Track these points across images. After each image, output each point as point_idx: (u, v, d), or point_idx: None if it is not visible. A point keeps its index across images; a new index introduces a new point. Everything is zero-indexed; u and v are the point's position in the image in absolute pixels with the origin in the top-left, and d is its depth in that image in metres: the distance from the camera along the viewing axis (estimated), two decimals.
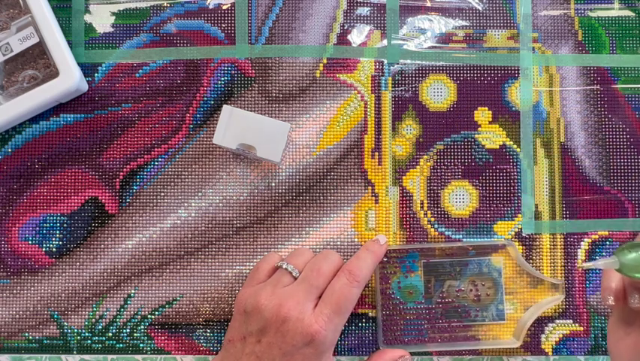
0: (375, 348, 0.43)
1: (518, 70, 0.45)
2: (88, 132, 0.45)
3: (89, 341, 0.44)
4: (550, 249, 0.44)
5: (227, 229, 0.44)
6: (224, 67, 0.45)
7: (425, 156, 0.45)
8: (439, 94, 0.45)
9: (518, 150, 0.45)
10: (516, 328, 0.43)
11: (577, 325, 0.44)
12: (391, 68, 0.45)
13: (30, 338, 0.44)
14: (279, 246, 0.44)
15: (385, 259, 0.43)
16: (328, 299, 0.37)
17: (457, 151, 0.45)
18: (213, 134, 0.42)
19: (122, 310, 0.44)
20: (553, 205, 0.44)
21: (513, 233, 0.44)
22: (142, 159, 0.45)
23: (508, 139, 0.45)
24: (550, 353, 0.43)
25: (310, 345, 0.36)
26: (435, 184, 0.45)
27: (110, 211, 0.44)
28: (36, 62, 0.43)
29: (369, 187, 0.44)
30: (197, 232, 0.44)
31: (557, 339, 0.44)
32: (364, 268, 0.39)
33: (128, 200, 0.44)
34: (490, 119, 0.45)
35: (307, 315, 0.36)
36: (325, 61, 0.45)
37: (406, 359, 0.42)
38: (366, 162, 0.45)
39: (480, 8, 0.46)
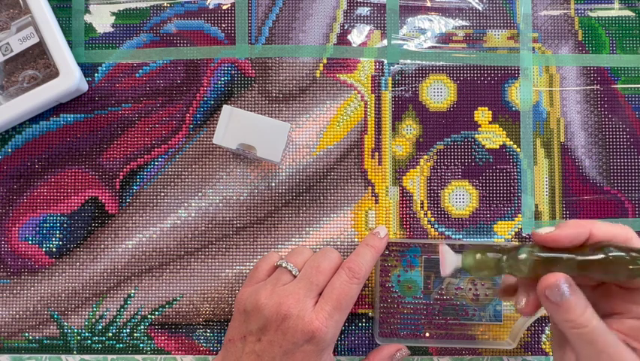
0: (375, 346, 0.43)
1: (518, 70, 0.45)
2: (88, 132, 0.45)
3: (89, 341, 0.44)
4: None
5: (227, 229, 0.44)
6: (224, 67, 0.45)
7: (425, 156, 0.45)
8: (439, 94, 0.45)
9: (518, 150, 0.45)
10: (512, 330, 0.43)
11: None
12: (391, 68, 0.45)
13: (30, 338, 0.44)
14: (279, 246, 0.44)
15: (387, 252, 0.43)
16: (328, 296, 0.37)
17: (457, 151, 0.45)
18: (213, 134, 0.42)
19: (122, 310, 0.44)
20: (554, 205, 0.44)
21: (513, 233, 0.44)
22: (142, 159, 0.45)
23: (508, 139, 0.45)
24: (550, 353, 0.43)
25: (311, 342, 0.36)
26: (435, 184, 0.45)
27: (110, 211, 0.44)
28: (36, 62, 0.43)
29: (369, 187, 0.44)
30: (197, 232, 0.44)
31: None
32: (364, 264, 0.39)
33: (128, 200, 0.44)
34: (490, 119, 0.45)
35: (308, 312, 0.36)
36: (325, 61, 0.45)
37: (402, 352, 0.42)
38: (366, 162, 0.45)
39: (480, 8, 0.46)
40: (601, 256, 0.31)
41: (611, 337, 0.30)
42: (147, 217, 0.44)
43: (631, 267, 0.30)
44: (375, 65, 0.45)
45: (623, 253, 0.31)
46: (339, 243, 0.44)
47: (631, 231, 0.32)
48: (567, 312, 0.31)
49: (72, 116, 0.45)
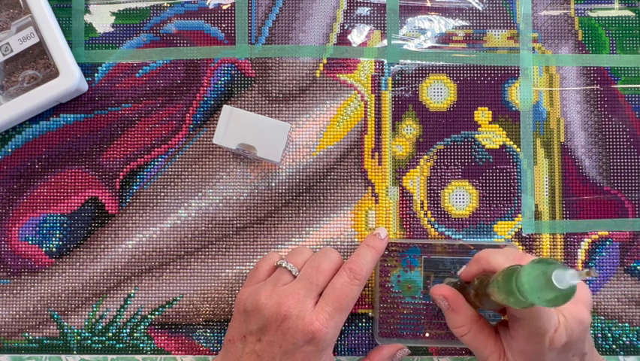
0: (375, 346, 0.43)
1: (518, 70, 0.45)
2: (88, 132, 0.45)
3: (89, 341, 0.44)
4: (550, 249, 0.44)
5: (227, 229, 0.44)
6: (224, 67, 0.45)
7: (425, 156, 0.45)
8: (439, 94, 0.45)
9: (518, 150, 0.45)
10: None
11: None
12: (391, 68, 0.45)
13: (30, 338, 0.44)
14: (279, 246, 0.44)
15: (387, 252, 0.43)
16: (329, 297, 0.37)
17: (457, 151, 0.45)
18: (213, 134, 0.42)
19: (122, 310, 0.44)
20: (554, 205, 0.44)
21: (513, 233, 0.44)
22: (142, 159, 0.45)
23: (508, 139, 0.45)
24: None
25: (311, 343, 0.36)
26: (435, 184, 0.45)
27: (110, 211, 0.44)
28: (36, 62, 0.43)
29: (369, 187, 0.44)
30: (197, 232, 0.44)
31: None
32: (365, 265, 0.39)
33: (128, 200, 0.44)
34: (490, 119, 0.45)
35: (308, 313, 0.36)
36: (325, 61, 0.45)
37: (403, 352, 0.42)
38: (366, 162, 0.45)
39: (480, 8, 0.46)
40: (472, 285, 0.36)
41: (485, 352, 0.36)
42: (147, 217, 0.44)
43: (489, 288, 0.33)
44: (375, 65, 0.45)
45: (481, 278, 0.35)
46: (339, 243, 0.44)
47: (511, 255, 0.36)
48: (448, 320, 0.38)
49: (72, 116, 0.45)
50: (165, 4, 0.46)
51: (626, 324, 0.44)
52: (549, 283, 0.26)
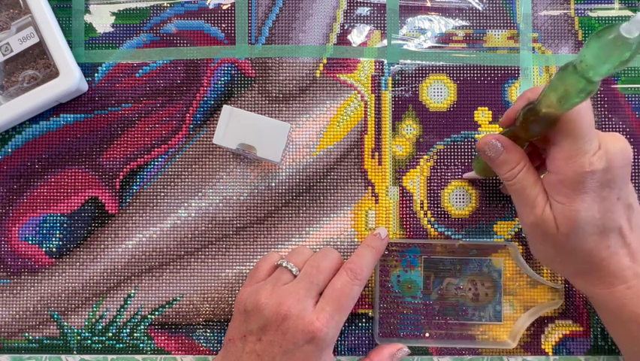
0: (375, 346, 0.43)
1: (518, 70, 0.45)
2: (88, 132, 0.45)
3: (89, 341, 0.44)
4: None
5: (227, 229, 0.44)
6: (224, 67, 0.45)
7: (425, 156, 0.45)
8: (439, 94, 0.45)
9: None
10: (512, 330, 0.43)
11: (577, 325, 0.44)
12: (391, 68, 0.45)
13: (30, 338, 0.44)
14: (279, 246, 0.44)
15: (387, 252, 0.43)
16: (329, 297, 0.37)
17: (457, 151, 0.45)
18: (213, 134, 0.42)
19: (122, 310, 0.44)
20: None
21: (513, 233, 0.44)
22: (142, 159, 0.45)
23: None
24: (550, 353, 0.43)
25: (311, 343, 0.36)
26: (435, 184, 0.45)
27: (110, 211, 0.44)
28: (36, 62, 0.43)
29: (369, 187, 0.44)
30: (197, 232, 0.44)
31: (557, 339, 0.44)
32: (365, 265, 0.39)
33: (128, 200, 0.44)
34: (490, 119, 0.45)
35: (308, 313, 0.36)
36: (325, 61, 0.45)
37: (403, 351, 0.42)
38: (366, 162, 0.45)
39: (480, 8, 0.46)
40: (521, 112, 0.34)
41: (534, 191, 0.35)
42: (147, 217, 0.44)
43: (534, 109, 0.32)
44: (375, 65, 0.45)
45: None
46: (339, 243, 0.44)
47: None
48: (500, 166, 0.36)
49: (72, 116, 0.45)
50: (165, 4, 0.46)
51: None
52: (616, 41, 0.26)
